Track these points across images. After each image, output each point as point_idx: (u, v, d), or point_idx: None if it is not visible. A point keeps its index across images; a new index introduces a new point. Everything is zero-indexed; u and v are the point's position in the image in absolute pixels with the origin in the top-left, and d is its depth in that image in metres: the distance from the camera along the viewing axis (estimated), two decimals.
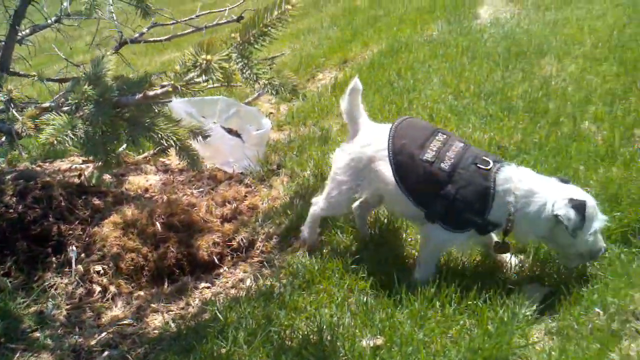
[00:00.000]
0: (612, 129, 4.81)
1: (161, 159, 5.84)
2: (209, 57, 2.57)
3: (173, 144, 3.02)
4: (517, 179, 3.17)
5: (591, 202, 3.16)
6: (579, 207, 3.07)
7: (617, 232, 3.56)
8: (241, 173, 5.39)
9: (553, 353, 2.76)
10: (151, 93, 2.99)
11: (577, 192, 3.19)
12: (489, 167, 3.18)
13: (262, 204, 4.86)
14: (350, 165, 3.57)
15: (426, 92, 6.33)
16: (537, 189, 3.16)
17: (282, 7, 2.64)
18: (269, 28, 2.68)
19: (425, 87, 6.51)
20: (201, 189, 5.24)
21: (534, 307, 3.10)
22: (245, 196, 5.05)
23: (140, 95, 3.03)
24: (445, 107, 5.83)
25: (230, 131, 5.52)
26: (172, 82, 2.75)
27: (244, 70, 2.70)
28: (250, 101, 6.73)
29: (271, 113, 7.14)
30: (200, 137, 3.39)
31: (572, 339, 2.85)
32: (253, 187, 5.18)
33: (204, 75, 2.63)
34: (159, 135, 3.09)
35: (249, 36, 2.69)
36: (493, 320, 2.96)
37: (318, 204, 3.86)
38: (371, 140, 3.51)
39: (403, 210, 3.50)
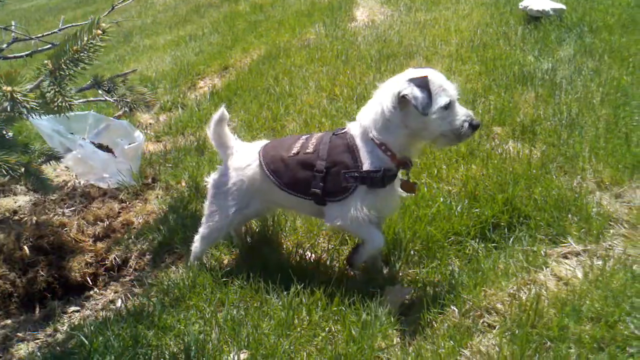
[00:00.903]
0: None
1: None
2: (9, 88, 2.53)
3: (4, 172, 2.93)
4: (368, 125, 3.23)
5: (434, 75, 3.08)
6: (421, 83, 3.02)
7: (475, 228, 3.78)
8: (116, 188, 5.30)
9: (412, 354, 2.90)
10: None
11: (417, 71, 3.13)
12: (343, 130, 3.35)
13: (137, 219, 4.81)
14: (232, 190, 3.59)
15: (302, 97, 6.44)
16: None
17: (92, 32, 2.64)
18: (81, 54, 2.67)
19: (302, 92, 6.62)
20: (73, 208, 5.12)
21: (396, 309, 3.24)
22: (119, 212, 4.98)
23: None
24: (320, 111, 5.95)
25: (100, 146, 5.42)
26: None
27: (56, 98, 2.68)
28: (121, 115, 6.62)
29: (150, 123, 7.05)
30: (52, 161, 3.31)
31: (429, 338, 3.01)
32: (128, 203, 5.11)
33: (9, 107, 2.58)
34: None
35: (61, 63, 2.68)
36: (356, 324, 3.08)
37: (195, 242, 3.82)
38: (248, 161, 3.58)
39: (304, 209, 3.59)
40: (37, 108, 2.64)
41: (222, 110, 3.59)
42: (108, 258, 4.46)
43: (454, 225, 3.80)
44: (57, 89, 2.70)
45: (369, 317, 3.12)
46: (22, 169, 3.51)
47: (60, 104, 2.71)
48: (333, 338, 3.06)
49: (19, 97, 2.57)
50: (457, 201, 4.02)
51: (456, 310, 3.15)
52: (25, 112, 2.67)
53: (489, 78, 6.14)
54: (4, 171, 3.09)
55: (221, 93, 7.27)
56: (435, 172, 4.45)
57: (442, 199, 4.03)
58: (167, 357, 3.09)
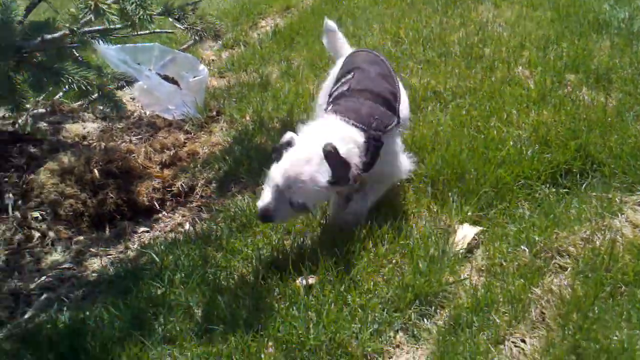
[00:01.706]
0: (544, 74, 4.95)
1: (99, 107, 5.75)
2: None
3: (83, 88, 2.99)
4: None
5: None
6: None
7: (546, 173, 3.72)
8: (181, 120, 5.37)
9: (480, 289, 2.91)
10: (49, 37, 2.96)
11: None
12: None
13: (202, 149, 4.88)
14: None
15: (366, 40, 6.36)
16: None
17: None
18: None
19: (365, 34, 6.54)
20: (140, 136, 5.22)
21: (464, 247, 3.24)
22: (185, 143, 5.05)
23: (39, 39, 2.99)
24: (384, 53, 5.88)
25: (166, 78, 5.48)
26: (68, 25, 2.73)
27: (137, 11, 2.70)
28: (185, 48, 6.67)
29: (213, 60, 7.08)
30: (124, 83, 3.37)
31: (498, 276, 3.01)
32: (192, 134, 5.18)
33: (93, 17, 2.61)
34: (68, 80, 3.07)
35: None
36: (424, 258, 3.09)
37: None
38: None
39: None
40: (119, 20, 2.67)
41: (326, 21, 4.19)
42: (175, 185, 4.55)
43: (524, 169, 3.74)
44: (138, 2, 2.73)
45: (436, 252, 3.13)
46: (97, 90, 3.59)
47: (141, 17, 2.74)
48: (400, 270, 3.08)
49: (103, 8, 2.60)
50: (527, 146, 3.95)
51: (527, 250, 3.13)
52: (107, 23, 2.70)
53: (562, 25, 5.96)
54: (82, 87, 3.17)
55: (283, 32, 7.22)
56: (505, 116, 4.37)
57: (512, 143, 3.96)
58: (236, 278, 3.16)
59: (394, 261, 3.14)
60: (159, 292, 3.08)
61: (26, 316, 3.39)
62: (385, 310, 2.85)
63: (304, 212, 3.18)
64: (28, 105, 5.07)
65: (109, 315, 2.98)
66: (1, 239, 4.14)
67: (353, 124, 3.17)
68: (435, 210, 3.57)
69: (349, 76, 3.50)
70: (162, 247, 3.58)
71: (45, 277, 3.78)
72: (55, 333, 2.92)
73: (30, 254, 4.06)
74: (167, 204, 4.47)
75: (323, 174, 2.97)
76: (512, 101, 4.58)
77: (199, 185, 4.49)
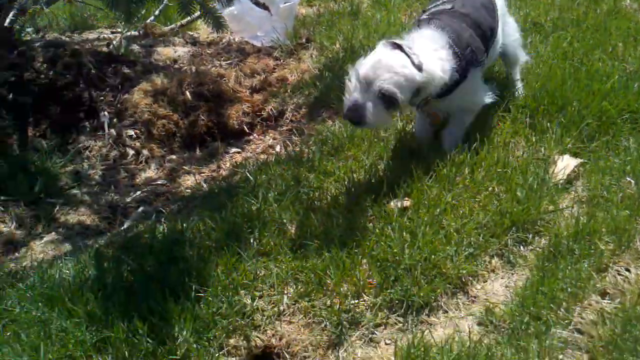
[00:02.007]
0: None
1: (189, 32, 5.79)
2: None
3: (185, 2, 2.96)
4: None
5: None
6: None
7: None
8: (270, 46, 5.34)
9: (582, 219, 2.81)
10: None
11: None
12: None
13: (291, 76, 4.85)
14: None
15: None
16: None
17: None
18: None
19: None
20: (229, 61, 5.23)
21: (564, 177, 3.12)
22: (274, 68, 5.04)
23: None
24: None
25: (257, 3, 5.43)
26: None
27: None
28: None
29: None
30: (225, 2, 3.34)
31: (601, 206, 2.90)
32: (282, 60, 5.15)
33: None
34: None
35: None
36: (522, 186, 3.00)
37: None
38: None
39: None
40: None
41: None
42: (264, 109, 4.56)
43: (629, 103, 3.55)
44: None
45: (535, 181, 3.03)
46: (200, 7, 3.58)
47: None
48: (497, 197, 3.00)
49: None
50: (633, 79, 3.73)
51: (632, 181, 2.99)
52: None
53: None
54: (184, 2, 3.17)
55: None
56: (610, 49, 4.13)
57: (617, 76, 3.75)
58: (329, 198, 3.16)
59: (490, 188, 3.06)
60: (254, 208, 3.11)
61: (124, 227, 3.50)
62: (481, 235, 2.79)
63: (393, 109, 2.99)
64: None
65: (205, 227, 3.03)
66: (97, 154, 4.28)
67: (450, 45, 3.05)
68: (533, 140, 3.45)
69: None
70: (254, 167, 3.61)
71: (140, 192, 3.89)
72: (154, 242, 3.00)
73: (125, 170, 4.18)
74: (257, 127, 4.49)
75: (409, 65, 2.89)
76: (618, 34, 4.33)
77: (288, 110, 4.48)
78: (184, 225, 3.09)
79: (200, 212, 3.25)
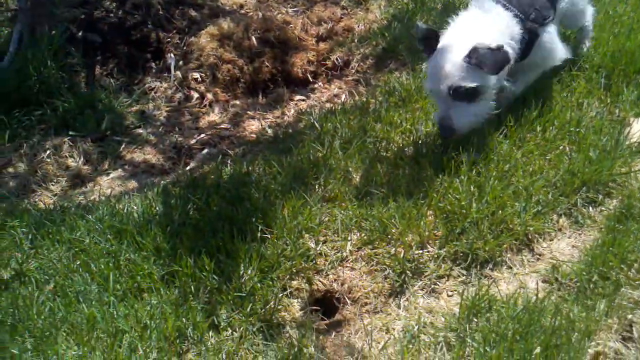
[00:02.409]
0: None
1: None
2: None
3: None
4: None
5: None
6: None
7: None
8: None
9: None
10: None
11: None
12: None
13: (358, 26, 4.78)
14: None
15: None
16: None
17: None
18: None
19: None
20: (296, 9, 5.17)
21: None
22: (341, 18, 4.96)
23: None
24: None
25: None
26: None
27: None
28: None
29: None
30: None
31: None
32: (349, 10, 5.07)
33: None
34: None
35: None
36: (595, 147, 2.91)
37: None
38: None
39: None
40: None
41: None
42: (330, 58, 4.52)
43: None
44: None
45: (609, 142, 2.94)
46: None
47: None
48: (568, 157, 2.92)
49: None
50: None
51: None
52: None
53: None
54: None
55: None
56: None
57: None
58: (395, 149, 3.13)
59: (561, 147, 2.98)
60: (319, 155, 3.10)
61: (189, 167, 3.55)
62: (550, 193, 2.72)
63: (482, 105, 2.89)
64: None
65: (271, 170, 3.05)
66: (163, 96, 4.33)
67: (513, 13, 3.00)
68: (608, 102, 3.33)
69: None
70: (320, 114, 3.59)
71: (204, 134, 3.92)
72: (220, 182, 3.03)
73: (190, 112, 4.22)
74: (321, 77, 4.46)
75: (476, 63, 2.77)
76: None
77: (354, 60, 4.42)
78: (250, 167, 3.11)
79: (265, 156, 3.26)
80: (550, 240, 2.60)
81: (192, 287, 2.45)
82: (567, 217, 2.70)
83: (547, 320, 2.07)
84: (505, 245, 2.52)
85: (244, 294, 2.39)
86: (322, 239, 2.64)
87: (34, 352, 2.30)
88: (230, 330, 2.31)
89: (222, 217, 2.74)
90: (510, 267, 2.48)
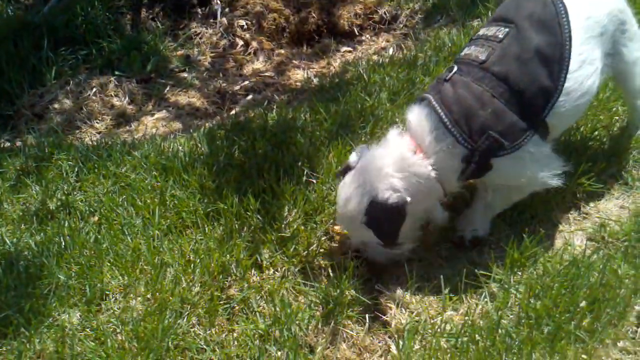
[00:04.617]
0: None
1: None
2: None
3: None
4: None
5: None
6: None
7: None
8: None
9: None
10: None
11: None
12: None
13: None
14: None
15: None
16: None
17: None
18: None
19: None
20: None
21: None
22: None
23: None
24: None
25: None
26: None
27: None
28: None
29: None
30: None
31: None
32: None
33: None
34: None
35: None
36: None
37: None
38: None
39: None
40: None
41: None
42: (377, 12, 4.45)
43: None
44: None
45: None
46: None
47: None
48: (620, 118, 2.86)
49: None
50: None
51: None
52: None
53: None
54: None
55: None
56: None
57: None
58: None
59: (614, 109, 2.91)
60: (366, 104, 3.08)
61: (233, 112, 3.54)
62: (601, 153, 2.67)
63: (400, 247, 2.28)
64: None
65: (317, 117, 3.03)
66: (208, 42, 4.31)
67: (452, 134, 2.12)
68: None
69: (497, 33, 2.24)
70: (367, 66, 3.55)
71: (248, 81, 3.91)
72: (265, 126, 3.02)
73: (234, 59, 4.21)
74: (367, 30, 4.40)
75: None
76: None
77: (403, 14, 4.36)
78: (296, 114, 3.10)
79: (312, 104, 3.24)
80: (598, 201, 2.55)
81: (237, 226, 2.46)
82: (616, 178, 2.64)
83: (593, 276, 2.04)
84: (551, 203, 2.49)
85: (287, 235, 2.40)
86: None
87: (79, 279, 2.34)
88: (272, 270, 2.33)
89: (268, 159, 2.73)
90: (556, 225, 2.45)
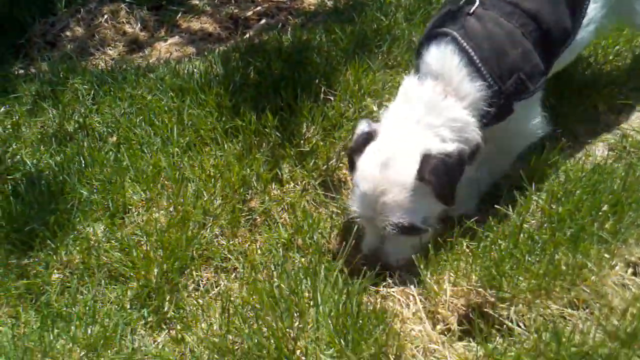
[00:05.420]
0: None
1: None
2: None
3: None
4: None
5: None
6: None
7: None
8: None
9: None
10: None
11: None
12: None
13: None
14: None
15: None
16: None
17: None
18: None
19: None
20: None
21: None
22: None
23: None
24: None
25: None
26: None
27: None
28: None
29: None
30: None
31: None
32: None
33: None
34: None
35: None
36: None
37: None
38: None
39: None
40: None
41: None
42: None
43: None
44: None
45: None
46: None
47: None
48: None
49: None
50: None
51: None
52: None
53: None
54: None
55: None
56: None
57: None
58: None
59: None
60: (383, 24, 3.04)
61: (246, 36, 3.50)
62: (621, 63, 2.64)
63: (424, 234, 1.93)
64: None
65: (333, 36, 3.00)
66: None
67: (482, 75, 1.93)
68: None
69: None
70: None
71: (260, 7, 3.85)
72: (280, 47, 2.99)
73: None
74: None
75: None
76: None
77: None
78: (311, 35, 3.07)
79: (327, 25, 3.20)
80: (619, 113, 2.54)
81: (255, 142, 2.46)
82: (637, 91, 2.62)
83: (615, 182, 2.04)
84: (571, 118, 2.47)
85: (306, 150, 2.40)
86: (384, 102, 2.61)
87: (101, 194, 2.36)
88: (292, 184, 2.34)
89: (285, 78, 2.72)
90: (577, 137, 2.43)
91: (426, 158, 1.82)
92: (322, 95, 2.62)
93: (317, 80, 2.68)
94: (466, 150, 1.88)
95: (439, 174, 1.81)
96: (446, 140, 1.88)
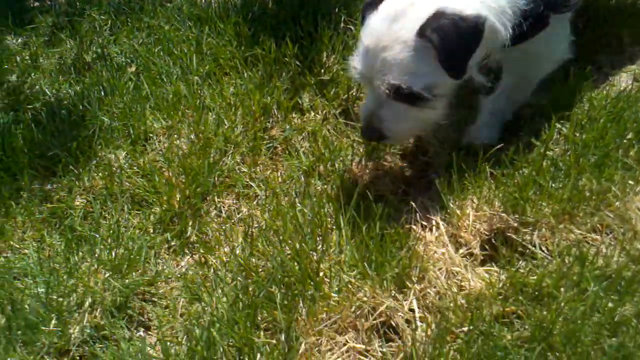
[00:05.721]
0: None
1: None
2: None
3: None
4: None
5: None
6: None
7: None
8: None
9: None
10: None
11: None
12: None
13: None
14: None
15: None
16: None
17: None
18: None
19: None
20: None
21: None
22: None
23: None
24: None
25: None
26: None
27: None
28: None
29: None
30: None
31: None
32: None
33: None
34: None
35: None
36: None
37: None
38: None
39: None
40: None
41: None
42: None
43: None
44: None
45: None
46: None
47: None
48: None
49: None
50: None
51: None
52: None
53: None
54: None
55: None
56: None
57: None
58: None
59: None
60: None
61: None
62: None
63: (428, 110, 1.79)
64: None
65: None
66: None
67: None
68: None
69: None
70: None
71: None
72: None
73: None
74: None
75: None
76: None
77: None
78: None
79: None
80: None
81: (275, 71, 2.45)
82: None
83: None
84: (596, 45, 2.42)
85: (327, 79, 2.38)
86: None
87: (122, 121, 2.37)
88: (313, 113, 2.33)
89: (304, 7, 2.67)
90: (600, 67, 2.39)
91: (437, 15, 1.64)
92: (342, 25, 2.58)
93: (336, 9, 2.63)
94: (487, 21, 1.67)
95: (446, 36, 1.63)
96: (469, 4, 1.67)
